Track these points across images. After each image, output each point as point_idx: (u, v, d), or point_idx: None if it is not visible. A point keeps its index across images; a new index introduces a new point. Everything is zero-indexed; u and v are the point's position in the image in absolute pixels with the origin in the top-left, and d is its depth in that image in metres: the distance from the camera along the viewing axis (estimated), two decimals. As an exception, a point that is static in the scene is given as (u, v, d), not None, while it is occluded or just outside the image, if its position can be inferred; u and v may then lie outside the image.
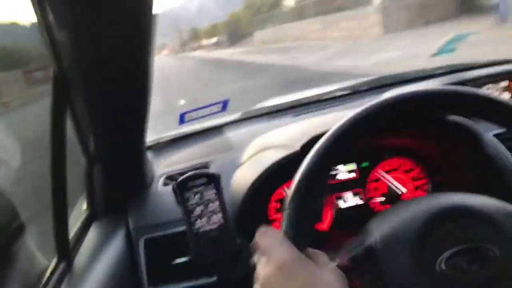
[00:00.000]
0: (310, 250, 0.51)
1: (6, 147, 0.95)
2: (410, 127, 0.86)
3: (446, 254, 0.47)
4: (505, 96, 1.22)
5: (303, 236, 0.51)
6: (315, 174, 0.52)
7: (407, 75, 1.45)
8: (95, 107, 0.78)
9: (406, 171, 1.00)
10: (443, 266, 0.47)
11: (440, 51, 1.62)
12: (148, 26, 0.65)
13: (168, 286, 0.89)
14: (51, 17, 0.63)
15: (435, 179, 0.98)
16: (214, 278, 0.88)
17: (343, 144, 0.54)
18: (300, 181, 0.52)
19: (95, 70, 0.70)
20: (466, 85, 1.26)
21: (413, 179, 1.00)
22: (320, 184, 0.53)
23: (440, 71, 1.42)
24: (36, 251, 0.81)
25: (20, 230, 0.77)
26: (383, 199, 1.00)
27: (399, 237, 0.50)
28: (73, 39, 0.63)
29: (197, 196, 0.82)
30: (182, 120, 1.05)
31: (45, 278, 0.75)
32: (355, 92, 1.39)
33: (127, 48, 0.68)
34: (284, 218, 0.52)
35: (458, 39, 1.64)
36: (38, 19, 0.66)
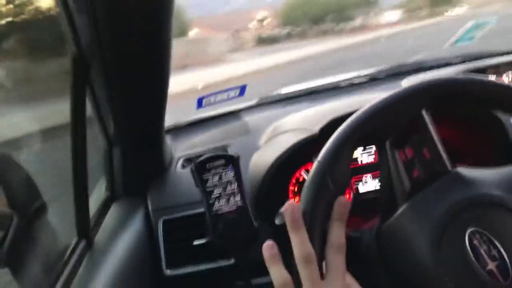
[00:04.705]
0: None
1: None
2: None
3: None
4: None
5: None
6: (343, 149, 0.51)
7: (425, 63, 1.43)
8: (114, 90, 0.79)
9: None
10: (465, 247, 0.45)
11: (459, 39, 1.59)
12: (166, 5, 0.65)
13: (186, 267, 0.89)
14: None
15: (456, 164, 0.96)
16: (232, 260, 0.89)
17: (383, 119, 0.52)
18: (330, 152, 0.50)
19: (114, 52, 0.70)
20: (487, 73, 1.24)
21: None
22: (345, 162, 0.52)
23: (459, 59, 1.40)
24: (57, 230, 0.82)
25: (42, 209, 0.78)
26: None
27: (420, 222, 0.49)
28: (92, 20, 0.63)
29: (215, 178, 0.81)
30: (200, 104, 1.04)
31: (65, 257, 0.76)
32: (373, 80, 1.38)
33: (146, 29, 0.68)
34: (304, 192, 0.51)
35: (477, 27, 1.61)
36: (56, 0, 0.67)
